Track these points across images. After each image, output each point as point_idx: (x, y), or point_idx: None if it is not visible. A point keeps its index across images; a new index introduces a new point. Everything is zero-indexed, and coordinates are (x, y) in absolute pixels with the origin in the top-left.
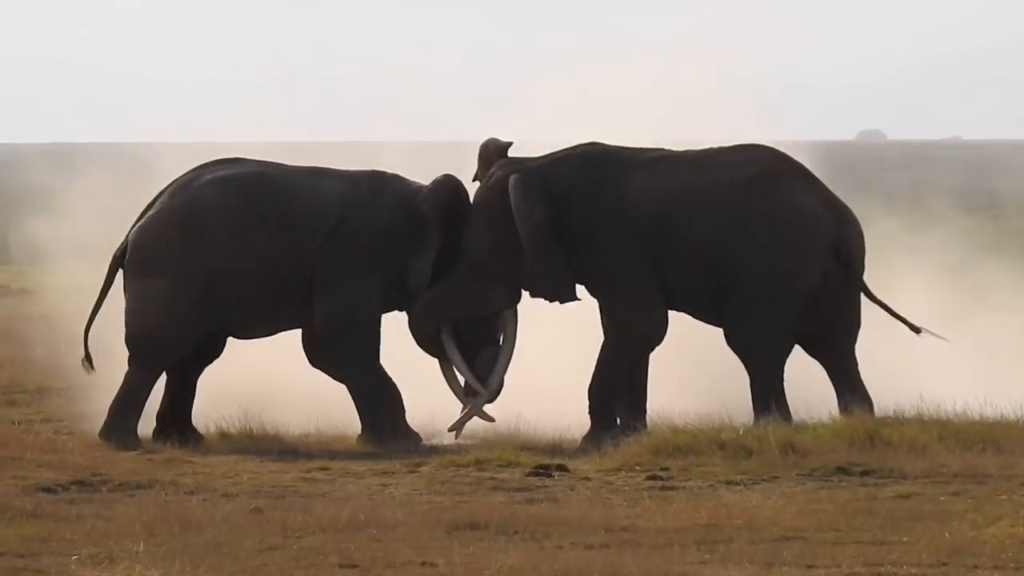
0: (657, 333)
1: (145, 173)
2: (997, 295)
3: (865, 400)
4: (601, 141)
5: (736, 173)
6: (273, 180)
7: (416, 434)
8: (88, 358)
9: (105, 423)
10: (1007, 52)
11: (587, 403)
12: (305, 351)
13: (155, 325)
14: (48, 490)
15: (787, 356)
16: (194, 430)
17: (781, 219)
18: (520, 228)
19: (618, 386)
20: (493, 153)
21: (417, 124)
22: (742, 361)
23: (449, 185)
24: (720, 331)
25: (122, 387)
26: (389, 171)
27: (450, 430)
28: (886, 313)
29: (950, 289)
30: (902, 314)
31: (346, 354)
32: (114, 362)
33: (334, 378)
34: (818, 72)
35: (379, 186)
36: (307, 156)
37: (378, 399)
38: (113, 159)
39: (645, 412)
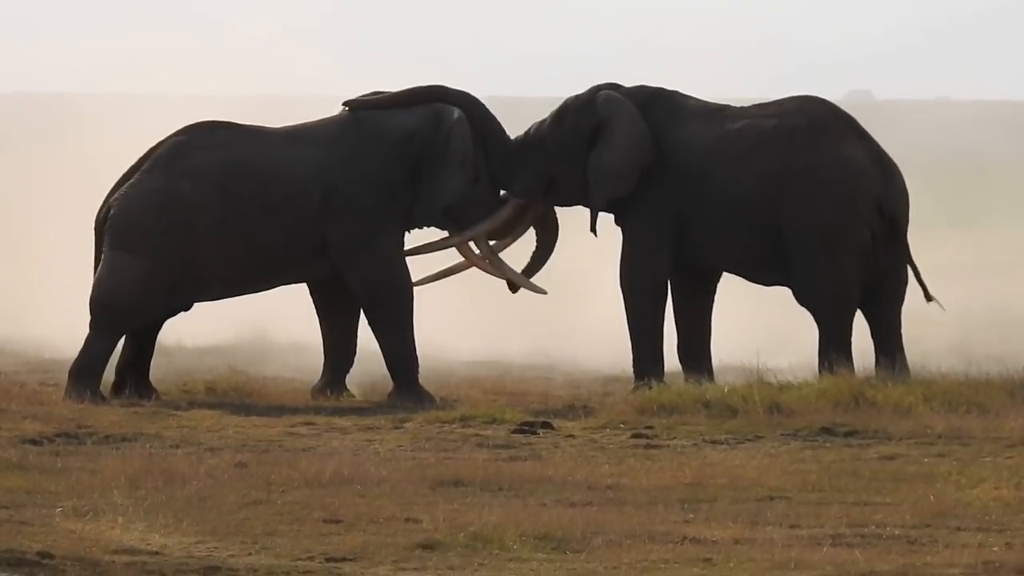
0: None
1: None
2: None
3: (902, 369)
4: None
5: (780, 124)
6: (250, 164)
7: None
8: None
9: (67, 388)
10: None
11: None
12: (318, 305)
13: (124, 298)
14: (33, 442)
15: (854, 311)
16: (151, 386)
17: (823, 173)
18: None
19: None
20: None
21: None
22: (813, 317)
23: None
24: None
25: (81, 353)
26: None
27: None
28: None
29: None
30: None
31: (386, 316)
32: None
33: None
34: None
35: (358, 132)
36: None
37: (413, 360)
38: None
39: (658, 362)
